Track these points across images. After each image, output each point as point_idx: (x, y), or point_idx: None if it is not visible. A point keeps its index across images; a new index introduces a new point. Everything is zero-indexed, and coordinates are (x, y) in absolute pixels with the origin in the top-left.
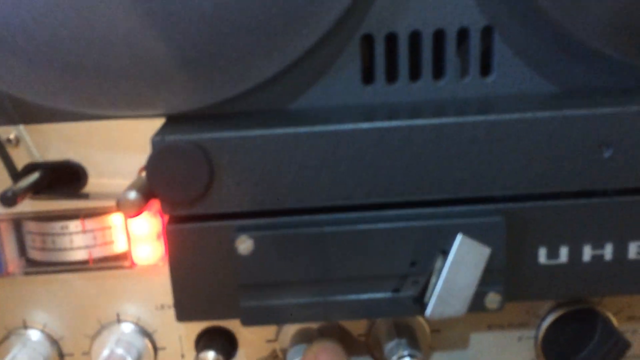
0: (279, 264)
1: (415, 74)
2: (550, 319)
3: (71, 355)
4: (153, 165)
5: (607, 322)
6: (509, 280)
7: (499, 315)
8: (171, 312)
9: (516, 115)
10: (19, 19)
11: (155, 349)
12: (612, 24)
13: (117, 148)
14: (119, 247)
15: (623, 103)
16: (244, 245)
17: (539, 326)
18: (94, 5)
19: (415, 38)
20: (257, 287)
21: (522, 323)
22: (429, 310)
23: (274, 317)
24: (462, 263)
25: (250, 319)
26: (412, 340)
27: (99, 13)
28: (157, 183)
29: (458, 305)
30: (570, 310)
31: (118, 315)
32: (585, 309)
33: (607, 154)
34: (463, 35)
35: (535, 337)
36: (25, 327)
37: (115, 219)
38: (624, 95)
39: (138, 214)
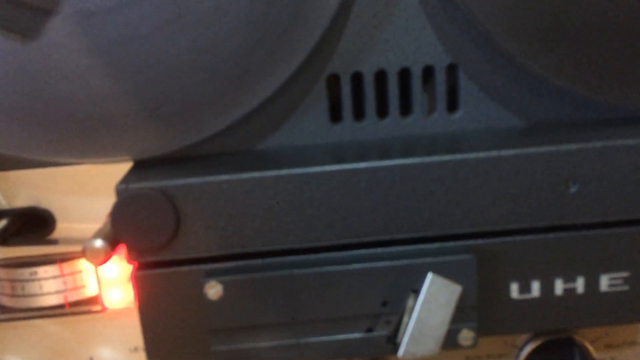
0: (250, 308)
1: (382, 111)
2: (528, 349)
3: None
4: (118, 214)
5: (584, 351)
6: (482, 315)
7: (477, 346)
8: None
9: (482, 154)
10: None
11: None
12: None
13: (85, 192)
14: (90, 290)
15: (586, 139)
16: (214, 290)
17: (517, 356)
18: (57, 59)
19: (381, 76)
20: (228, 332)
21: (500, 354)
22: (401, 351)
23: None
24: (433, 302)
25: None
26: None
27: (63, 67)
28: (123, 231)
29: (431, 344)
30: (548, 340)
31: (91, 359)
32: (563, 339)
33: (573, 190)
34: (429, 72)
35: None
36: None
37: (86, 263)
38: (587, 129)
39: (104, 261)
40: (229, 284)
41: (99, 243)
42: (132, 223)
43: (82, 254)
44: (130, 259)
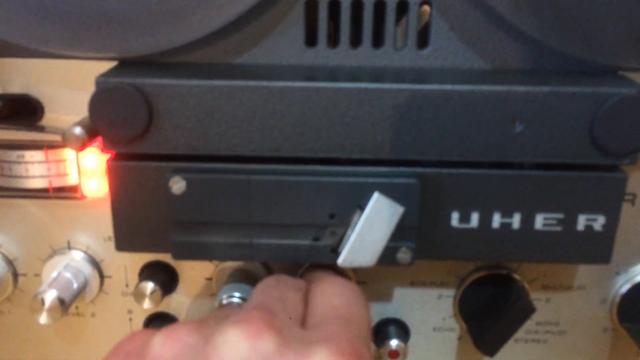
0: (209, 205)
1: (356, 40)
2: (468, 280)
3: (24, 275)
4: (95, 103)
5: (520, 288)
6: (423, 239)
7: (422, 273)
8: None
9: (437, 87)
10: None
11: (102, 276)
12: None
13: (74, 87)
14: (72, 179)
15: (537, 83)
16: (178, 185)
17: (458, 286)
18: None
19: (357, 6)
20: (188, 225)
21: (443, 282)
22: (341, 259)
23: (202, 253)
24: (376, 218)
25: (179, 253)
26: None
27: None
28: (99, 120)
29: (369, 256)
30: (488, 274)
31: (69, 242)
32: (502, 275)
33: (518, 129)
34: (403, 7)
35: (454, 296)
36: None
37: (70, 153)
38: (542, 76)
39: (83, 148)
40: (192, 181)
41: (77, 130)
42: (107, 114)
43: (62, 138)
44: (105, 149)
